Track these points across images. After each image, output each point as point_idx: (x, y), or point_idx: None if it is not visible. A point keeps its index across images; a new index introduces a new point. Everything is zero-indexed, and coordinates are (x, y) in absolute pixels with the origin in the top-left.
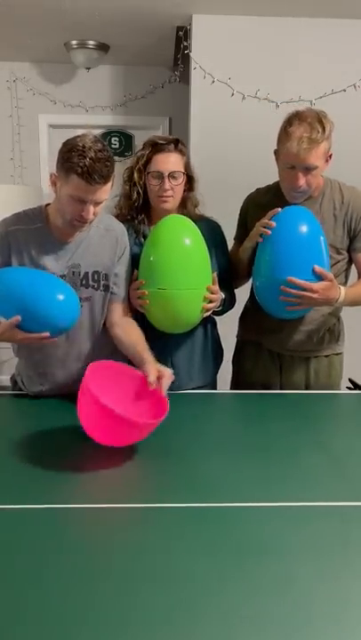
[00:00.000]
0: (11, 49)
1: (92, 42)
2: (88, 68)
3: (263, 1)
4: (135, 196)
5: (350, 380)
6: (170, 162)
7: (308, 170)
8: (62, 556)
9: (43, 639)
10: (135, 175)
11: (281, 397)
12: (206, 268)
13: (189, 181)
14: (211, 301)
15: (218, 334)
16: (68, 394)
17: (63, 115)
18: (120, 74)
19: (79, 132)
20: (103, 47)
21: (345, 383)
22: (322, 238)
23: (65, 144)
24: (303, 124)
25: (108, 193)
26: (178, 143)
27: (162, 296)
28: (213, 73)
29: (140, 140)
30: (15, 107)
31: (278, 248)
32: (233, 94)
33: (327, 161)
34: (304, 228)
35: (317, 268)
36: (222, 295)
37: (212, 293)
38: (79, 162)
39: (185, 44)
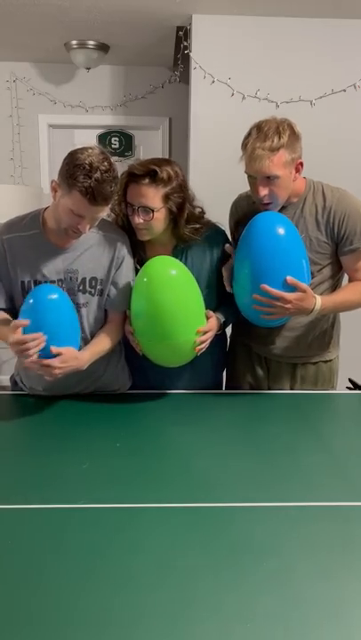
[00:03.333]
0: (11, 49)
1: (92, 42)
2: (88, 68)
3: (263, 1)
4: (120, 222)
5: (350, 380)
6: (140, 195)
7: (268, 179)
8: (62, 556)
9: (42, 639)
10: (114, 202)
11: (280, 397)
12: (197, 312)
13: (174, 213)
14: (202, 341)
15: (225, 339)
16: (67, 395)
17: (63, 115)
18: (120, 74)
19: (79, 132)
20: (103, 47)
21: (342, 387)
22: (299, 245)
23: (71, 157)
24: (260, 134)
25: (107, 210)
26: (155, 174)
27: (151, 345)
28: (213, 73)
29: (140, 139)
30: (15, 107)
31: (252, 257)
32: (233, 94)
33: (298, 170)
34: (277, 236)
35: (290, 278)
36: (221, 318)
37: (205, 333)
38: (84, 182)
39: (185, 43)
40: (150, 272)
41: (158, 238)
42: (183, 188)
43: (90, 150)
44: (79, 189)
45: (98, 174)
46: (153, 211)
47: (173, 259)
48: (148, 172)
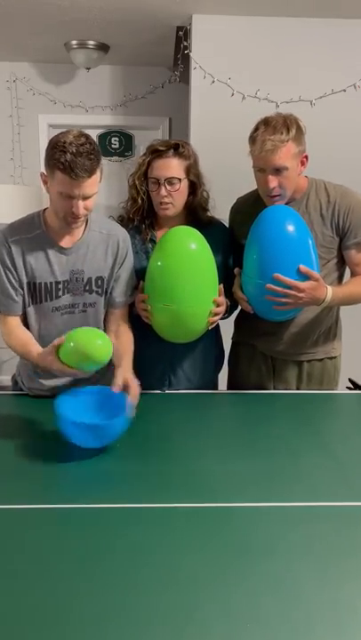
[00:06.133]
0: (11, 49)
1: (92, 42)
2: (88, 68)
3: (263, 1)
4: (140, 202)
5: (350, 380)
6: (166, 168)
7: (278, 171)
8: (62, 557)
9: (43, 639)
10: (137, 182)
11: (281, 397)
12: (212, 282)
13: (192, 186)
14: (217, 313)
15: (221, 337)
16: None
17: (63, 115)
18: (120, 74)
19: None
20: (103, 47)
21: (342, 386)
22: (308, 237)
23: (49, 142)
24: (268, 127)
25: (97, 186)
26: (178, 147)
27: (167, 312)
28: (213, 73)
29: (140, 139)
30: (15, 107)
31: (263, 248)
32: (233, 94)
33: (303, 163)
34: (288, 227)
35: (303, 267)
36: (228, 302)
37: (218, 305)
38: (60, 157)
39: (185, 43)
40: (172, 237)
41: (172, 223)
42: (197, 163)
43: (66, 132)
44: (59, 167)
45: (73, 148)
46: (180, 180)
47: (196, 230)
48: (171, 146)
